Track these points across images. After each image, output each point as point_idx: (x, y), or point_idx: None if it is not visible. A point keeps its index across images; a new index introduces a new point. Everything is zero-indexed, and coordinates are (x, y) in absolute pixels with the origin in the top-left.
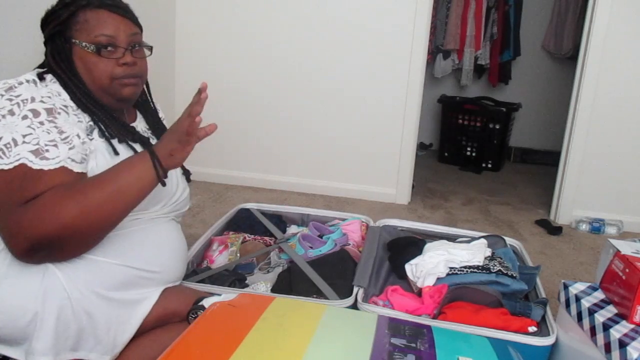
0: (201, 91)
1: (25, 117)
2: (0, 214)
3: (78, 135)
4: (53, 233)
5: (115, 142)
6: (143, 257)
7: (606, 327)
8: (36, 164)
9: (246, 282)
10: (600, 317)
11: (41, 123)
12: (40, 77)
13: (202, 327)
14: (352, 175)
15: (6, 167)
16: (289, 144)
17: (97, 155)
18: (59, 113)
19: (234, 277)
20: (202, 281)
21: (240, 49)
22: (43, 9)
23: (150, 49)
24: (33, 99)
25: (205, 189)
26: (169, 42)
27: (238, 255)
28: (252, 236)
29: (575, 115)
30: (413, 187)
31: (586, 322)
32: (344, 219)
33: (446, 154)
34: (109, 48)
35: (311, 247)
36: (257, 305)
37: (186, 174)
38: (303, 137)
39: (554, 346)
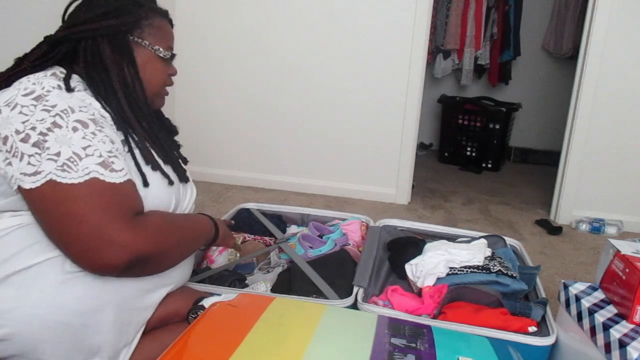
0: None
1: (75, 129)
2: (83, 227)
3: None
4: (155, 253)
5: (147, 167)
6: (156, 278)
7: (606, 327)
8: (107, 177)
9: (246, 282)
10: (600, 317)
11: (93, 134)
12: (66, 82)
13: (202, 327)
14: (352, 175)
15: (76, 182)
16: (289, 144)
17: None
18: (101, 123)
19: (234, 277)
20: (202, 281)
21: (240, 48)
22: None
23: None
24: (72, 109)
25: (205, 189)
26: None
27: (238, 255)
28: (252, 236)
29: (575, 115)
30: (413, 187)
31: (586, 322)
32: (344, 219)
33: (446, 154)
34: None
35: (311, 247)
36: (257, 305)
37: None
38: (303, 137)
39: (554, 346)
